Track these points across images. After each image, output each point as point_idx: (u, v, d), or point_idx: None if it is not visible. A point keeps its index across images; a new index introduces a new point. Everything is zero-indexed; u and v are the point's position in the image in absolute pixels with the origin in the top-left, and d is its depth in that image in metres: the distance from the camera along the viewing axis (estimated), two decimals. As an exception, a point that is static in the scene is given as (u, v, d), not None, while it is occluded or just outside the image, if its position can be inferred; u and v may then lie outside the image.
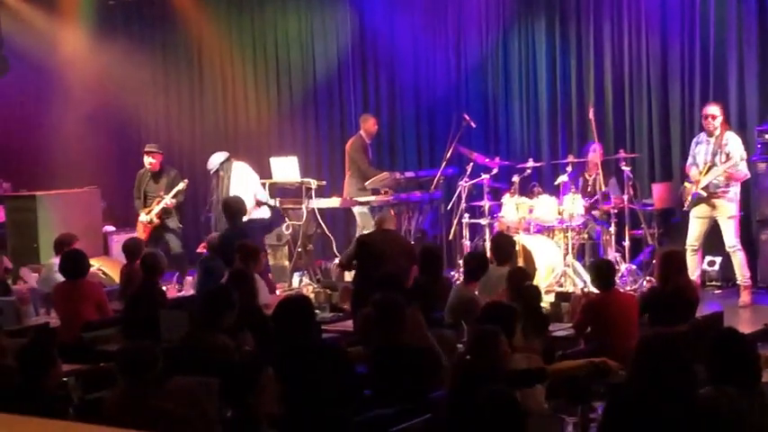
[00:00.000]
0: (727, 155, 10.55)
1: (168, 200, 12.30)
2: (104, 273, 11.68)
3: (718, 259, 11.32)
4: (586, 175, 11.90)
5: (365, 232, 11.03)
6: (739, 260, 10.69)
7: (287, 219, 12.48)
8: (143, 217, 12.42)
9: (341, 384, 5.56)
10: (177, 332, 6.98)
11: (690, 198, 10.79)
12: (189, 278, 11.18)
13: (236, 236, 9.85)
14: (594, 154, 11.72)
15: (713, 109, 10.78)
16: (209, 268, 9.66)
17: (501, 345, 5.41)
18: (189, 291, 10.73)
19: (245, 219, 11.15)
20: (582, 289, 10.20)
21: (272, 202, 12.40)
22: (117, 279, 10.75)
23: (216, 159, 12.54)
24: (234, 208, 10.75)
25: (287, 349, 5.57)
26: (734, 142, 10.63)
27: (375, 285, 7.36)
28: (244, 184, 12.26)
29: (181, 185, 12.40)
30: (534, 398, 5.66)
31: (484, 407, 4.31)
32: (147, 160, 12.65)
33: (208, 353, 6.23)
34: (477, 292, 8.35)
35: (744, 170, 10.67)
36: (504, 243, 9.15)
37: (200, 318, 6.58)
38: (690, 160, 10.97)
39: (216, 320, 6.48)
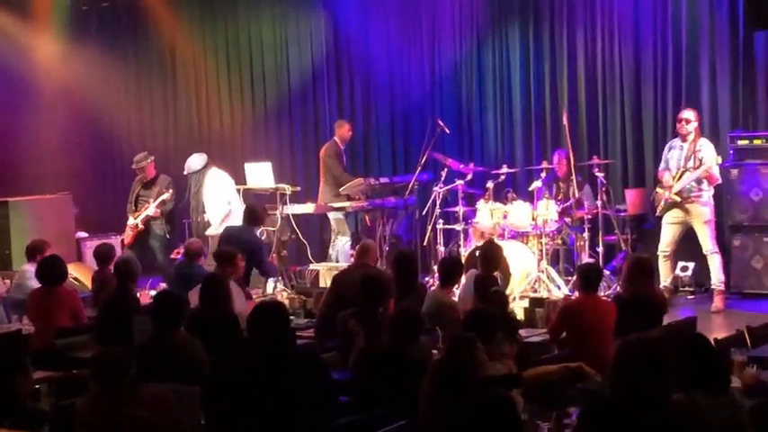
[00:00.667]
0: (700, 161, 10.61)
1: (152, 209, 12.22)
2: (77, 279, 11.62)
3: (691, 265, 11.38)
4: (560, 182, 11.97)
5: (340, 269, 10.86)
6: (716, 264, 10.75)
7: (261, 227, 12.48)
8: (131, 221, 12.38)
9: (317, 390, 5.54)
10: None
11: (662, 203, 10.84)
12: (163, 285, 11.13)
13: (236, 236, 10.21)
14: (558, 163, 11.83)
15: (688, 113, 10.85)
16: (187, 275, 9.62)
17: (478, 352, 5.41)
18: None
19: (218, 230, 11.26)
20: (566, 296, 10.20)
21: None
22: (90, 285, 10.69)
23: (193, 164, 12.38)
24: (248, 213, 10.81)
25: (262, 356, 5.55)
26: (707, 148, 10.70)
27: (360, 288, 7.37)
28: (218, 192, 12.16)
29: (165, 195, 12.30)
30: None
31: (482, 409, 4.27)
32: (140, 174, 12.57)
33: (176, 352, 6.25)
34: (456, 298, 8.35)
35: (717, 174, 10.73)
36: (494, 252, 9.08)
37: (162, 318, 6.59)
38: (662, 165, 11.02)
39: (177, 321, 6.57)
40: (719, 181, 10.84)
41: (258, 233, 11.41)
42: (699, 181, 10.69)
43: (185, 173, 12.46)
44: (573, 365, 6.00)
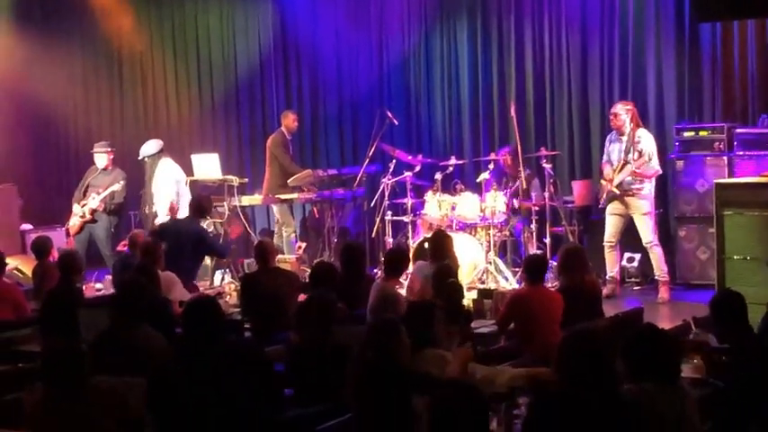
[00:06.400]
0: (640, 152, 10.66)
1: (97, 201, 12.02)
2: (21, 271, 11.46)
3: (637, 256, 11.45)
4: (508, 177, 12.00)
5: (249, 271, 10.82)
6: (657, 256, 10.84)
7: (209, 218, 12.37)
8: (76, 208, 12.18)
9: (257, 384, 5.45)
10: (97, 331, 6.85)
11: (605, 195, 10.92)
12: (108, 277, 11.00)
13: (184, 228, 10.17)
14: (503, 160, 11.86)
15: (617, 108, 10.93)
16: (128, 265, 9.51)
17: (401, 336, 5.36)
18: (110, 289, 10.54)
19: (164, 220, 11.16)
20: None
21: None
22: (33, 278, 10.55)
23: (148, 149, 12.17)
24: (195, 205, 10.62)
25: (195, 352, 5.46)
26: (646, 139, 10.76)
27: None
28: (167, 182, 11.98)
29: (116, 186, 12.08)
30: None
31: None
32: (99, 160, 12.36)
33: (131, 348, 6.14)
34: (404, 290, 8.34)
35: (654, 166, 10.79)
36: (443, 242, 9.07)
37: (118, 310, 6.45)
38: (605, 158, 11.10)
39: (136, 310, 6.38)
40: (659, 172, 10.90)
41: (205, 225, 11.31)
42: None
43: (140, 157, 12.24)
44: (534, 371, 5.80)
